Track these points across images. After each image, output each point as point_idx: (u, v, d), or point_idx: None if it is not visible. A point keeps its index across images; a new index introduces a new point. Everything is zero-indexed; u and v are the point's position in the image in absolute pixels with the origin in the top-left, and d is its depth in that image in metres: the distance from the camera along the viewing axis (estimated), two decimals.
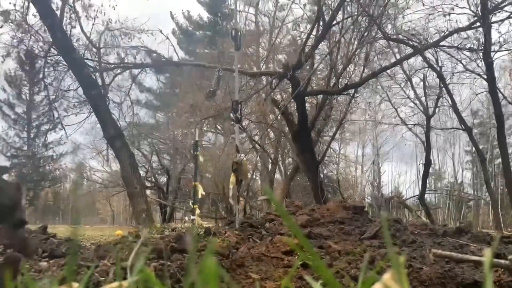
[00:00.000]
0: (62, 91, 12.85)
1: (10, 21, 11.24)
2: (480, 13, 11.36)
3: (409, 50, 12.96)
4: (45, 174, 32.10)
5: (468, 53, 13.16)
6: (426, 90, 16.10)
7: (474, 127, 22.78)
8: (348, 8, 12.04)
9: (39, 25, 11.26)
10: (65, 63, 11.43)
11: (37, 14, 10.73)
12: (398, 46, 14.05)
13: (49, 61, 12.08)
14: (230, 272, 1.94)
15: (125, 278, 0.73)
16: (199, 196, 7.68)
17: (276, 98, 14.23)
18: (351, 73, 14.38)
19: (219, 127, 22.87)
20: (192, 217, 7.40)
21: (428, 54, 13.55)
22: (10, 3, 11.12)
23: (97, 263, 1.71)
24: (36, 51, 12.27)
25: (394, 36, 12.68)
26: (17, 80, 29.27)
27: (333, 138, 17.94)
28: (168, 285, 1.51)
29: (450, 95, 14.45)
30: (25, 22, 11.33)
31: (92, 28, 12.05)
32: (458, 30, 11.99)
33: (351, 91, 14.05)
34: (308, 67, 13.08)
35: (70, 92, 12.72)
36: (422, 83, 16.13)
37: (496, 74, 13.41)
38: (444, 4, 12.20)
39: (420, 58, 13.69)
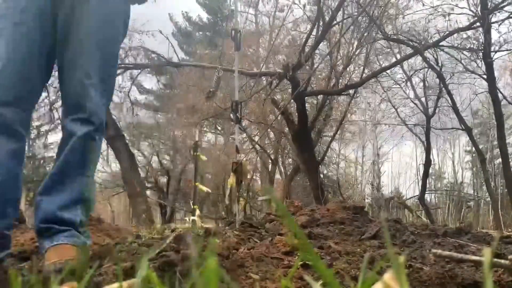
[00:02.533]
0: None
1: None
2: (480, 13, 11.37)
3: (409, 50, 12.98)
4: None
5: (468, 53, 13.18)
6: (426, 90, 16.11)
7: (474, 127, 22.78)
8: (348, 8, 12.05)
9: None
10: None
11: None
12: (398, 46, 14.06)
13: None
14: (230, 272, 1.95)
15: (125, 279, 0.73)
16: (204, 191, 7.70)
17: (276, 99, 14.23)
18: (351, 73, 14.39)
19: (219, 128, 22.89)
20: (192, 218, 7.40)
21: (428, 54, 13.56)
22: None
23: (98, 263, 1.71)
24: None
25: (394, 37, 12.69)
26: None
27: (333, 138, 17.93)
28: (169, 286, 1.51)
29: (450, 95, 14.46)
30: None
31: None
32: (458, 30, 12.00)
33: (351, 91, 14.06)
34: (308, 67, 13.09)
35: None
36: (422, 83, 16.15)
37: (496, 74, 13.43)
38: (444, 4, 12.23)
39: (420, 58, 13.70)
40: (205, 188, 7.72)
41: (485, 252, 0.49)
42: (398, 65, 14.25)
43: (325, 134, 18.52)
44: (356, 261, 2.31)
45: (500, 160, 14.67)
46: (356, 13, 11.58)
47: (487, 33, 11.41)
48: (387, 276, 0.49)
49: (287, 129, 14.73)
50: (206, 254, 0.43)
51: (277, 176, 22.52)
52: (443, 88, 14.46)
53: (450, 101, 14.74)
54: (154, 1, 12.97)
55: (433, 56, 13.93)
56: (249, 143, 18.09)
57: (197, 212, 7.33)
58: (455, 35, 12.28)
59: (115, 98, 13.44)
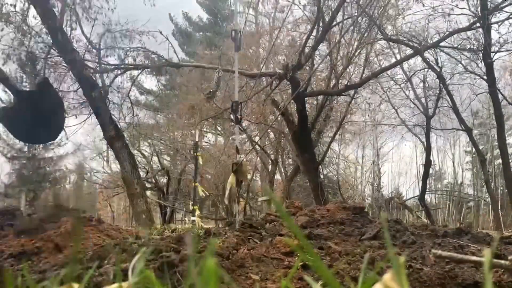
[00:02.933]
0: (62, 93, 12.85)
1: (10, 23, 11.25)
2: (479, 14, 11.37)
3: (409, 51, 12.97)
4: (45, 175, 32.07)
5: (468, 54, 13.16)
6: (426, 91, 16.11)
7: (474, 127, 22.79)
8: (348, 8, 12.05)
9: (40, 27, 11.28)
10: (65, 65, 11.44)
11: (38, 15, 10.75)
12: (398, 47, 14.05)
13: (49, 62, 12.08)
14: (230, 273, 1.94)
15: (125, 280, 0.73)
16: (201, 194, 7.70)
17: (276, 99, 14.23)
18: (351, 74, 14.38)
19: (219, 128, 22.89)
20: (192, 218, 7.40)
21: (428, 54, 13.56)
22: (10, 5, 11.14)
23: (97, 264, 1.71)
24: (37, 53, 12.27)
25: (394, 37, 12.69)
26: (18, 81, 29.22)
27: (333, 139, 17.93)
28: (168, 286, 1.51)
29: (450, 96, 14.45)
30: (25, 23, 11.33)
31: (92, 30, 12.06)
32: (458, 31, 11.99)
33: (351, 92, 14.05)
34: (308, 68, 13.08)
35: (70, 93, 12.72)
36: (422, 83, 16.15)
37: (496, 74, 13.41)
38: (444, 4, 12.23)
39: (420, 58, 13.70)
40: (201, 192, 7.70)
41: (485, 252, 0.49)
42: (398, 66, 14.25)
43: (325, 135, 18.52)
44: (356, 262, 2.31)
45: (500, 160, 14.67)
46: (356, 14, 11.58)
47: (487, 33, 11.41)
48: (387, 276, 0.49)
49: (287, 129, 14.73)
50: (206, 255, 0.43)
51: (277, 176, 22.53)
52: (443, 89, 14.45)
53: (450, 102, 14.73)
54: (153, 5, 12.98)
55: (433, 57, 13.93)
56: (249, 144, 18.09)
57: (197, 212, 7.33)
58: (455, 35, 12.28)
59: (115, 99, 13.44)
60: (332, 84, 13.22)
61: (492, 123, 21.66)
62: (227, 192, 4.26)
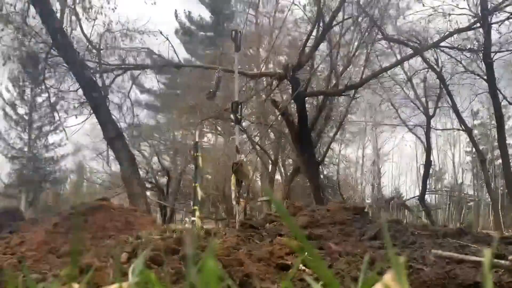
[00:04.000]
0: (62, 93, 12.86)
1: (10, 23, 11.25)
2: (480, 14, 11.36)
3: (409, 51, 12.96)
4: (45, 176, 32.07)
5: (468, 54, 13.15)
6: (426, 91, 16.11)
7: (474, 127, 22.78)
8: (348, 8, 12.05)
9: (40, 27, 11.27)
10: (66, 65, 11.44)
11: (38, 15, 10.74)
12: (398, 47, 14.04)
13: (49, 62, 12.07)
14: (229, 272, 1.94)
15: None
16: (199, 198, 7.67)
17: (276, 99, 14.23)
18: (351, 73, 14.37)
19: (219, 128, 22.88)
20: (192, 218, 7.39)
21: (428, 54, 13.55)
22: (10, 5, 11.13)
23: (97, 263, 1.71)
24: (37, 53, 12.26)
25: (395, 37, 12.68)
26: (20, 81, 29.21)
27: (333, 139, 17.91)
28: (168, 286, 1.51)
29: (450, 96, 14.45)
30: (26, 24, 11.32)
31: (92, 30, 12.05)
32: (458, 31, 11.99)
33: (351, 91, 14.05)
34: (308, 68, 13.07)
35: (71, 93, 12.71)
36: (422, 83, 16.14)
37: (496, 74, 13.39)
38: (444, 4, 12.22)
39: (420, 58, 13.69)
40: (200, 194, 7.68)
41: (485, 252, 0.49)
42: (399, 66, 14.24)
43: (325, 135, 18.51)
44: (356, 262, 2.31)
45: (500, 161, 14.65)
46: (356, 14, 11.57)
47: (487, 33, 11.40)
48: (387, 276, 0.49)
49: (287, 129, 14.72)
50: (206, 255, 0.43)
51: (277, 176, 22.51)
52: (443, 89, 14.45)
53: (450, 102, 14.73)
54: (154, 3, 12.97)
55: (434, 57, 13.92)
56: (249, 144, 18.07)
57: (197, 213, 7.32)
58: (455, 35, 12.27)
59: (115, 99, 13.43)
60: (332, 84, 13.22)
61: (492, 123, 21.64)
62: (233, 194, 4.26)
